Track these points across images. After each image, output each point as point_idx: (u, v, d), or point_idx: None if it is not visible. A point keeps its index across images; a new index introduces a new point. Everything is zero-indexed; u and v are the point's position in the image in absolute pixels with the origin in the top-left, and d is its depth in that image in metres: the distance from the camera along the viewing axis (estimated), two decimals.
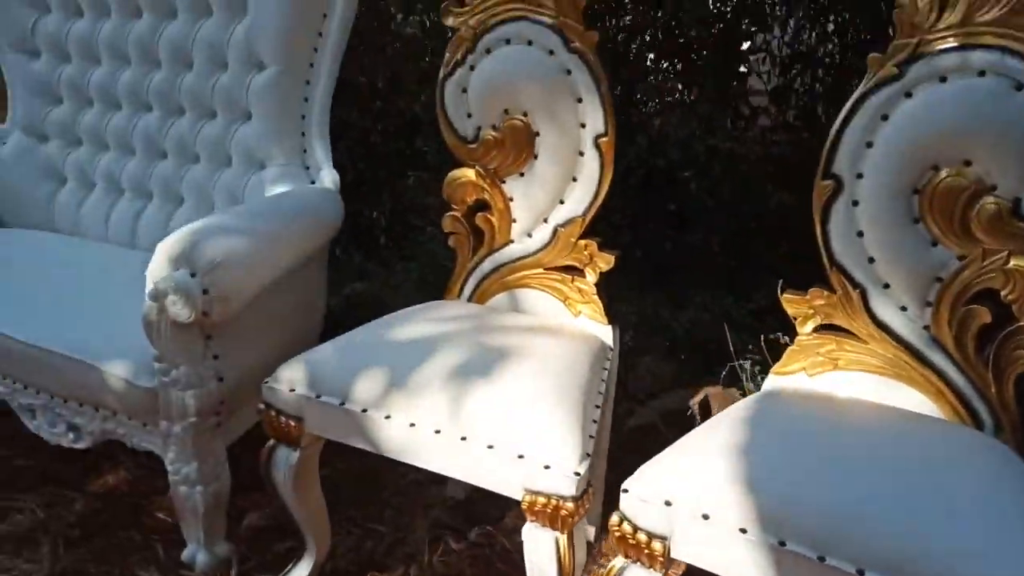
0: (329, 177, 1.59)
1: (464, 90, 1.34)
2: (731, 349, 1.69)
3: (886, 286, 1.10)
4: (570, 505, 0.98)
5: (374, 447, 1.12)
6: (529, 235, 1.38)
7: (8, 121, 1.94)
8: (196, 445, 1.26)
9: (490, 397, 1.07)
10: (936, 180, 1.03)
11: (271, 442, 1.20)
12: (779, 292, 1.18)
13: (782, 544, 0.84)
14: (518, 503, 1.02)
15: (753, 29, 2.19)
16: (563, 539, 1.01)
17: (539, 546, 1.02)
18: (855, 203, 1.09)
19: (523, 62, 1.28)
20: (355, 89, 2.47)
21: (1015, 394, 1.06)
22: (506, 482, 1.02)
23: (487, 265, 1.42)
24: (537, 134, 1.31)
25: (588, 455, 1.02)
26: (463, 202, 1.41)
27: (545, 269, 1.37)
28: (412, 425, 1.07)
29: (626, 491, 0.93)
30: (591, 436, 1.06)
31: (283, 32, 1.53)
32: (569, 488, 0.98)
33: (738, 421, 1.02)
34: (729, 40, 2.23)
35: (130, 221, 1.82)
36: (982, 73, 0.98)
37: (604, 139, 1.25)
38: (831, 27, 2.12)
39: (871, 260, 1.10)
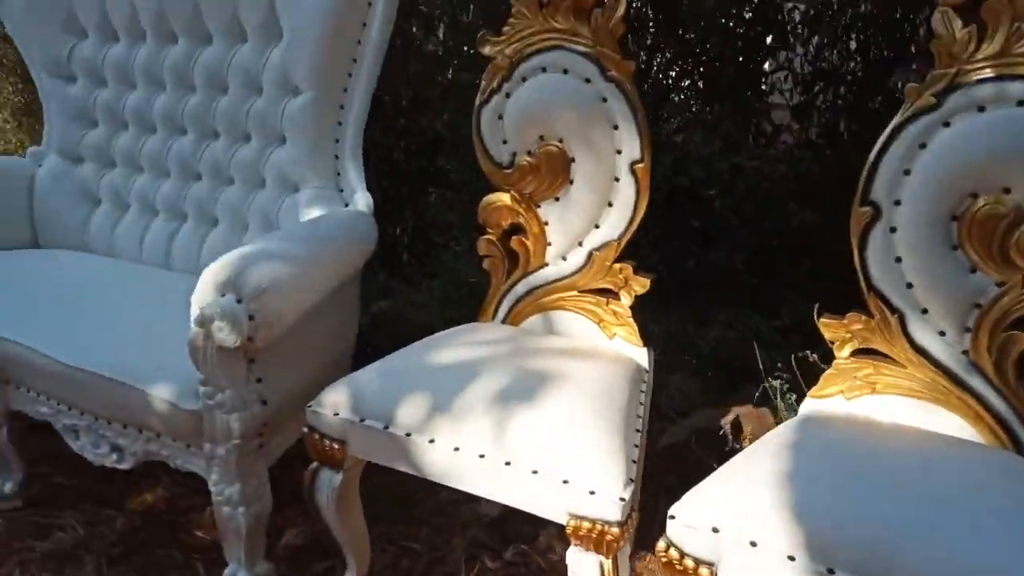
0: (363, 200, 1.61)
1: (500, 117, 1.36)
2: (760, 367, 1.70)
3: (924, 311, 1.11)
4: (615, 530, 1.00)
5: (418, 471, 1.13)
6: (564, 258, 1.40)
7: (44, 144, 1.98)
8: (239, 467, 1.28)
9: (533, 422, 1.08)
10: (975, 208, 1.04)
11: (314, 465, 1.22)
12: (815, 316, 1.20)
13: (831, 572, 0.85)
14: (551, 521, 1.03)
15: (775, 45, 2.21)
16: (608, 563, 1.02)
17: (583, 570, 1.03)
18: (893, 230, 1.10)
19: (559, 90, 1.30)
20: (380, 107, 2.51)
21: None
22: (550, 507, 1.04)
23: (521, 287, 1.44)
24: (573, 160, 1.33)
25: (632, 480, 1.03)
26: (498, 226, 1.43)
27: (580, 292, 1.39)
28: (456, 449, 1.09)
29: (672, 517, 0.95)
30: (634, 461, 1.08)
31: (319, 58, 1.56)
32: (615, 514, 0.99)
33: (781, 447, 1.04)
34: (751, 58, 2.25)
35: (164, 242, 1.85)
36: (1021, 103, 1.00)
37: (640, 165, 1.27)
38: (854, 45, 2.13)
39: (909, 286, 1.11)
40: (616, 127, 1.27)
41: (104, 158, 1.93)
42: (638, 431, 1.17)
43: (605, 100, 1.26)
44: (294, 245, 1.35)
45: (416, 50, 2.62)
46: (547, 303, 1.42)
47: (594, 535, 1.01)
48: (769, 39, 2.19)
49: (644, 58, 2.32)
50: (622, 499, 0.99)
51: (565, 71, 1.29)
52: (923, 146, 1.06)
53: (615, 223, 1.32)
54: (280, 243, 1.34)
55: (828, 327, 1.18)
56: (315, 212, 1.59)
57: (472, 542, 1.52)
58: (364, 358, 1.61)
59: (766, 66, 2.23)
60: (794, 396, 1.66)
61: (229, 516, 1.32)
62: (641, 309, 1.37)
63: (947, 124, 1.05)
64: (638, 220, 1.30)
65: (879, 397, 1.16)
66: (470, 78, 2.33)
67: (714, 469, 1.08)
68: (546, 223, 1.39)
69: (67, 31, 1.87)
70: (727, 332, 2.01)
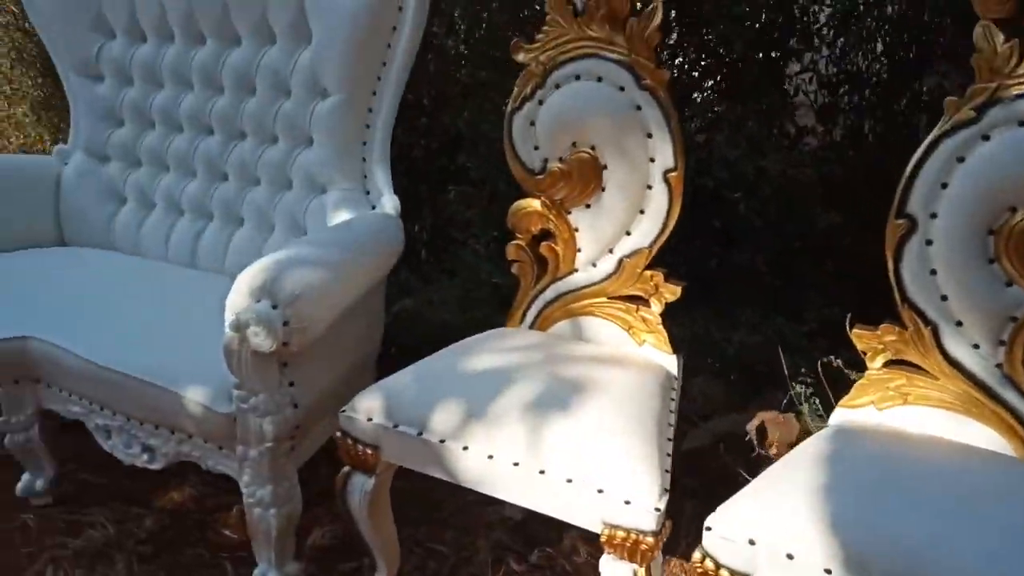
0: (390, 203, 1.62)
1: (532, 123, 1.37)
2: (785, 372, 1.71)
3: (959, 324, 1.11)
4: (650, 540, 1.01)
5: (451, 477, 1.14)
6: (594, 264, 1.40)
7: (71, 142, 2.00)
8: (271, 469, 1.30)
9: (567, 430, 1.09)
10: (1013, 222, 1.04)
11: (346, 469, 1.24)
12: (848, 326, 1.20)
13: None
14: (575, 525, 1.04)
15: (800, 48, 2.20)
16: (642, 572, 1.03)
17: None
18: (929, 242, 1.10)
19: (593, 98, 1.30)
20: (401, 106, 2.51)
21: None
22: (585, 516, 1.05)
23: (550, 293, 1.44)
24: (605, 167, 1.33)
25: (666, 490, 1.04)
26: (527, 231, 1.43)
27: (609, 298, 1.39)
28: (490, 457, 1.10)
29: (709, 529, 0.96)
30: (666, 470, 1.08)
31: (349, 61, 1.56)
32: (650, 523, 1.00)
33: (814, 458, 1.04)
34: (774, 59, 2.23)
35: (190, 241, 1.86)
36: None
37: (673, 174, 1.27)
38: (879, 47, 2.12)
39: (944, 298, 1.11)
40: (650, 135, 1.27)
41: (130, 157, 1.94)
42: (669, 439, 1.17)
43: (639, 108, 1.27)
44: (327, 250, 1.35)
45: (437, 48, 2.62)
46: (576, 309, 1.42)
47: (628, 544, 1.02)
48: (793, 41, 2.18)
49: (666, 57, 2.31)
50: (657, 509, 1.00)
51: (599, 79, 1.29)
52: (961, 159, 1.06)
53: (647, 230, 1.33)
54: (313, 248, 1.35)
55: (861, 338, 1.18)
56: (342, 214, 1.60)
57: (497, 544, 1.54)
58: (388, 357, 1.63)
59: (792, 68, 2.22)
60: (818, 400, 1.67)
61: (260, 517, 1.33)
62: (664, 311, 1.37)
63: (986, 138, 1.04)
64: (670, 227, 1.30)
65: (911, 408, 1.17)
66: (491, 77, 2.33)
67: (740, 474, 1.09)
68: (576, 229, 1.39)
69: (95, 31, 1.88)
70: (751, 335, 2.01)
